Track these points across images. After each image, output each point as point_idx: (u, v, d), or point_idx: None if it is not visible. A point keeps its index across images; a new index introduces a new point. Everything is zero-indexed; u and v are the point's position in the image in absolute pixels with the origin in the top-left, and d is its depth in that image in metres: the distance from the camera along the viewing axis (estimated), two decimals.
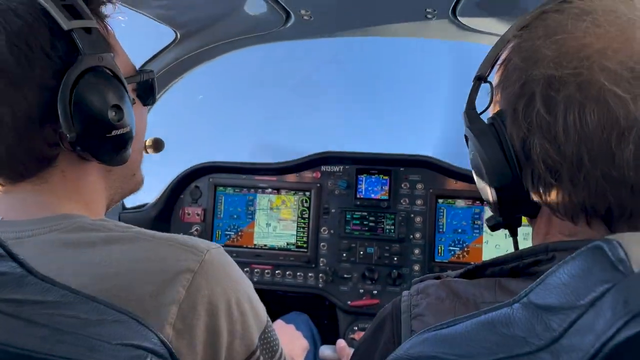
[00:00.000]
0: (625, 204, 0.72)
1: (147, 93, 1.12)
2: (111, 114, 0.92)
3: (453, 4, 1.81)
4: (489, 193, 0.88)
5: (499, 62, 0.89)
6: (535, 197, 0.81)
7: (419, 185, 2.64)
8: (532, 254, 0.80)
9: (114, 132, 0.94)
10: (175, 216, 2.84)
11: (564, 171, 0.73)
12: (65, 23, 0.87)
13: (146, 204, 2.84)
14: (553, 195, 0.77)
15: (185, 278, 0.88)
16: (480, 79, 0.93)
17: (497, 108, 0.87)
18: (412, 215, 2.63)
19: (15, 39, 0.84)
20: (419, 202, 2.63)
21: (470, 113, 0.92)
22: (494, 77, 0.91)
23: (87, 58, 0.89)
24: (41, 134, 0.89)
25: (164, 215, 2.82)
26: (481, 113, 0.92)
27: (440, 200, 2.60)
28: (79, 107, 0.88)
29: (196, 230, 2.79)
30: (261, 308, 1.04)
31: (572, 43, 0.73)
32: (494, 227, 0.96)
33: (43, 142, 0.90)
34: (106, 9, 1.01)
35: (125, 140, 0.98)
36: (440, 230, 2.59)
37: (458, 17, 1.92)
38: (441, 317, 0.79)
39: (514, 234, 0.99)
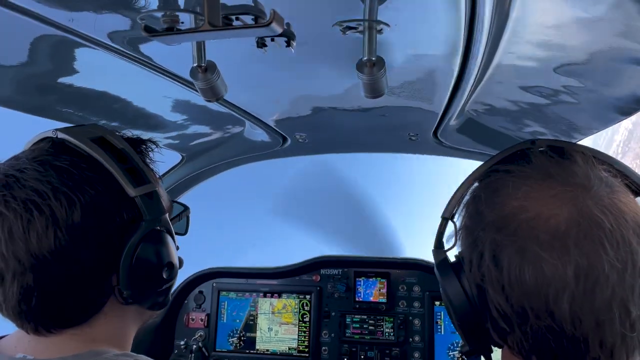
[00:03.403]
0: (567, 352, 0.81)
1: (181, 227, 1.26)
2: (165, 272, 1.03)
3: (434, 128, 1.99)
4: (457, 326, 0.98)
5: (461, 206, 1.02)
6: (494, 336, 0.91)
7: (416, 288, 2.72)
8: None
9: (164, 286, 1.04)
10: (180, 322, 2.90)
11: (514, 320, 0.83)
12: (130, 190, 0.97)
13: None
14: (508, 338, 0.87)
15: None
16: (446, 219, 1.05)
17: (461, 248, 0.98)
18: (411, 318, 2.68)
19: (88, 209, 0.91)
20: (416, 304, 2.69)
21: (437, 252, 1.03)
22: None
23: (148, 222, 0.99)
24: (98, 287, 0.97)
25: (169, 321, 2.88)
26: (448, 250, 1.03)
27: (437, 303, 2.66)
28: (139, 269, 0.97)
29: (200, 335, 2.83)
30: None
31: (512, 204, 0.85)
32: (467, 354, 1.05)
33: (98, 294, 0.98)
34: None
35: (170, 289, 1.08)
36: (439, 331, 2.64)
37: (439, 138, 2.10)
38: None
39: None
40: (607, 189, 0.83)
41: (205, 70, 1.03)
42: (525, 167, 0.90)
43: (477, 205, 0.92)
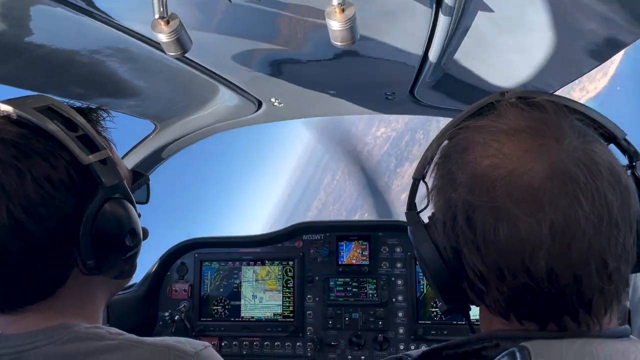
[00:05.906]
0: (543, 309, 0.80)
1: (142, 196, 1.22)
2: (128, 240, 0.99)
3: (410, 85, 1.96)
4: (433, 287, 0.97)
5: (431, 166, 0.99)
6: (471, 296, 0.90)
7: (398, 249, 2.74)
8: (479, 341, 0.89)
9: (128, 254, 1.01)
10: (163, 294, 2.89)
11: (490, 280, 0.82)
12: (84, 159, 0.92)
13: (134, 283, 2.89)
14: (485, 298, 0.86)
15: None
16: (417, 179, 1.03)
17: (434, 209, 0.96)
18: (393, 279, 2.71)
19: (40, 181, 0.87)
20: (399, 265, 2.72)
21: (410, 215, 1.00)
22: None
23: (105, 190, 0.95)
24: (58, 260, 0.94)
25: (152, 293, 2.87)
26: (421, 211, 1.01)
27: None
28: (100, 237, 0.94)
29: (184, 306, 2.82)
30: None
31: (483, 163, 0.82)
32: (445, 313, 1.05)
33: (59, 267, 0.95)
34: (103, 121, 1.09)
35: (135, 257, 1.05)
36: (422, 291, 2.67)
37: (417, 97, 2.08)
38: None
39: (466, 317, 1.07)
40: (580, 140, 0.80)
41: (168, 22, 0.98)
42: (496, 122, 0.87)
43: (447, 165, 0.89)
